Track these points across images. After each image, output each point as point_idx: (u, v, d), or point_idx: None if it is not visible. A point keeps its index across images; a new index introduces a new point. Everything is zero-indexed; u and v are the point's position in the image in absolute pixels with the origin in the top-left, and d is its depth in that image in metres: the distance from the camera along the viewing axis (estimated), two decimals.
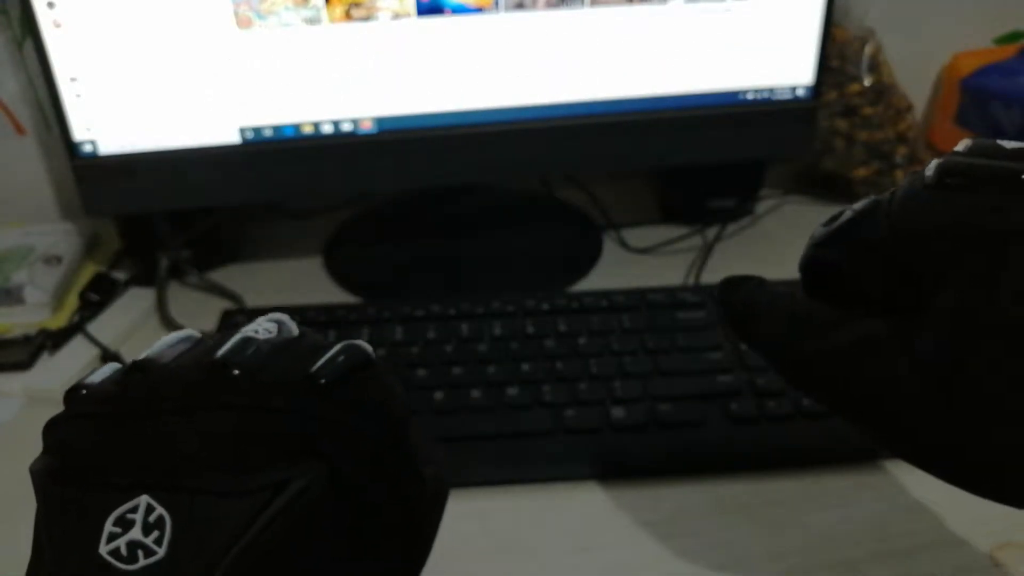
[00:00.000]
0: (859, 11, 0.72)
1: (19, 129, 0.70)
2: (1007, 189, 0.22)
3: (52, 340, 0.58)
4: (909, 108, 0.73)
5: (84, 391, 0.23)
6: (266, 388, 0.21)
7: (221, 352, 0.22)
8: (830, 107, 0.72)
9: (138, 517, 0.19)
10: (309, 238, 0.72)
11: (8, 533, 0.44)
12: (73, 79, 0.54)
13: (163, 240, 0.64)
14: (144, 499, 0.19)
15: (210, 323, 0.58)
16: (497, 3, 0.55)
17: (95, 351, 0.57)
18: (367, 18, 0.54)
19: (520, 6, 0.55)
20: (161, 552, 0.19)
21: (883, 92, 0.72)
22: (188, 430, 0.20)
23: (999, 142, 0.25)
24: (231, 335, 0.23)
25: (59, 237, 0.68)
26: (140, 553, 0.19)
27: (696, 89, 0.60)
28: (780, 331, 0.27)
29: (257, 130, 0.57)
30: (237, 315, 0.58)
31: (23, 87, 0.68)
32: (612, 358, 0.51)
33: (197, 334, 0.25)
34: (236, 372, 0.21)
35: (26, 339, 0.58)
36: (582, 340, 0.53)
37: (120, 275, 0.66)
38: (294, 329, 0.25)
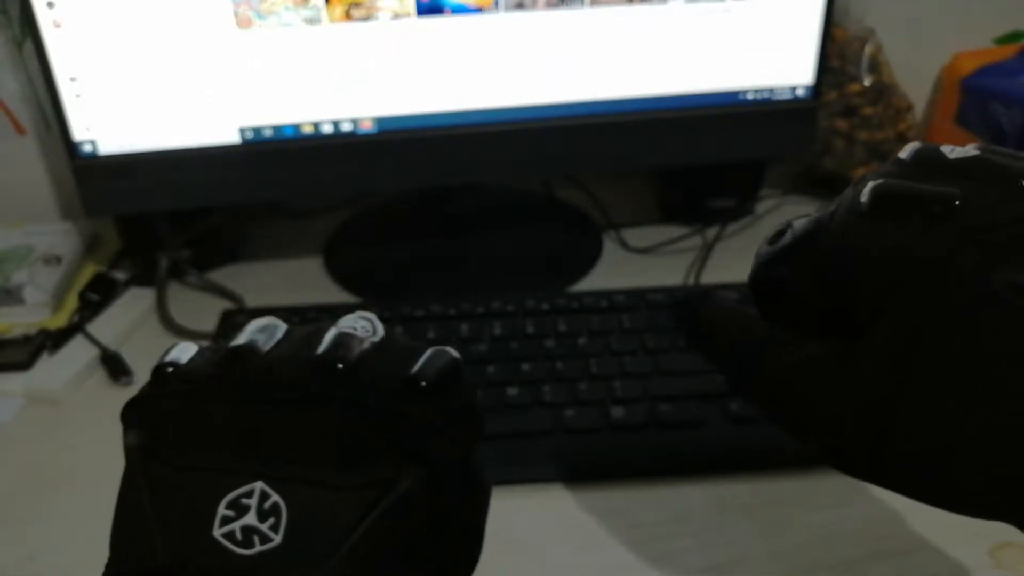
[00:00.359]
0: (859, 11, 0.72)
1: (19, 129, 0.70)
2: (941, 217, 0.22)
3: (52, 340, 0.58)
4: (909, 108, 0.73)
5: (171, 369, 0.23)
6: (368, 386, 0.22)
7: (323, 347, 0.22)
8: (830, 107, 0.72)
9: (253, 503, 0.19)
10: (309, 238, 0.72)
11: (9, 533, 0.44)
12: (73, 79, 0.54)
13: (163, 240, 0.64)
14: (259, 485, 0.20)
15: (210, 323, 0.58)
16: (497, 3, 0.55)
17: (95, 351, 0.57)
18: (367, 18, 0.54)
19: (520, 6, 0.55)
20: (278, 539, 0.19)
21: (883, 92, 0.72)
22: (294, 421, 0.21)
23: (942, 149, 0.24)
24: (325, 327, 0.23)
25: (59, 237, 0.68)
26: (256, 539, 0.19)
27: (696, 89, 0.60)
28: (730, 349, 0.27)
29: (257, 130, 0.57)
30: (237, 315, 0.58)
31: (23, 87, 0.68)
32: (612, 358, 0.51)
33: (282, 323, 0.25)
34: (340, 367, 0.22)
35: (26, 339, 0.58)
36: (582, 340, 0.53)
37: (120, 275, 0.66)
38: (380, 329, 0.25)
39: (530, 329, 0.54)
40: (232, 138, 0.57)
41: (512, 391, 0.49)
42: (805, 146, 0.66)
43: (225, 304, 0.62)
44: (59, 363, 0.56)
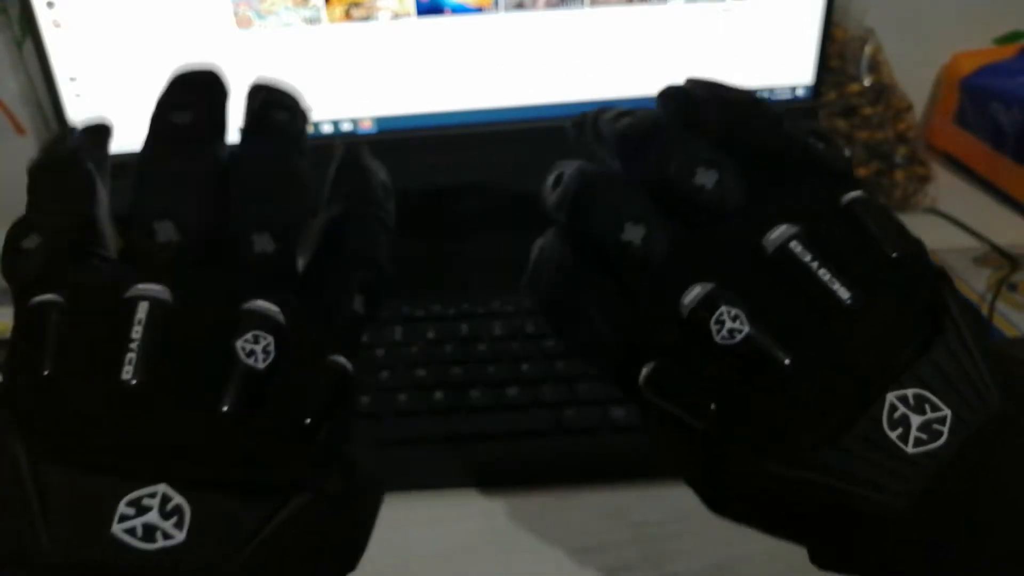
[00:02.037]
0: (859, 11, 0.72)
1: (19, 129, 0.70)
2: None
3: None
4: (909, 108, 0.73)
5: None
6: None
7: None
8: (830, 107, 0.72)
9: (155, 503, 0.19)
10: (308, 237, 0.71)
11: None
12: (73, 79, 0.54)
13: None
14: (162, 488, 0.19)
15: None
16: (497, 3, 0.55)
17: None
18: (367, 18, 0.54)
19: (520, 6, 0.55)
20: (180, 537, 0.19)
21: (883, 92, 0.72)
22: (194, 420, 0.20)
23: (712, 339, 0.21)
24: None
25: None
26: (159, 535, 0.19)
27: None
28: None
29: None
30: None
31: (23, 87, 0.68)
32: None
33: None
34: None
35: None
36: None
37: None
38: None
39: (530, 329, 0.54)
40: (232, 138, 0.57)
41: (512, 391, 0.49)
42: None
43: None
44: None
